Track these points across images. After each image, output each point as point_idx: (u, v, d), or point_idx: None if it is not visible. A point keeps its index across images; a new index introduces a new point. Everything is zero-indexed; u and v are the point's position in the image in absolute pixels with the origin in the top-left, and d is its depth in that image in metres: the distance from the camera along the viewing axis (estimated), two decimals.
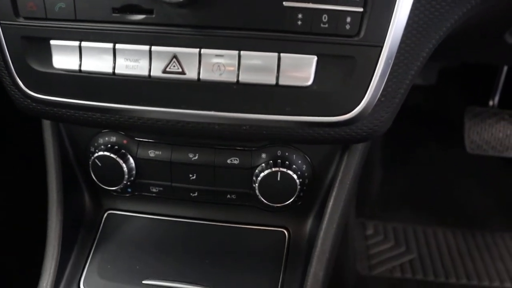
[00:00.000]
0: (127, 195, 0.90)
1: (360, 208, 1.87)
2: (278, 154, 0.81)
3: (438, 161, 2.07)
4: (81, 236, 0.89)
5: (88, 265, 0.86)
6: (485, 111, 1.90)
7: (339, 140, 0.71)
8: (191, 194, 0.86)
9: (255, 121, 0.69)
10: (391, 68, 0.67)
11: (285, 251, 0.86)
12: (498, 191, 2.00)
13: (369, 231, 1.84)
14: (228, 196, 0.86)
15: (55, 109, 0.75)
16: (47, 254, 0.83)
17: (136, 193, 0.89)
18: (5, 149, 1.49)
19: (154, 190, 0.87)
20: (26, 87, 0.73)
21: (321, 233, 0.80)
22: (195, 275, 0.82)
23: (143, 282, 0.82)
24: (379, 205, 1.94)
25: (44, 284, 0.80)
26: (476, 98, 2.02)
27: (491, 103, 1.95)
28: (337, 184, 0.80)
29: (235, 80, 0.66)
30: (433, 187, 2.01)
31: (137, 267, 0.84)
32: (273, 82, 0.66)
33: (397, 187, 2.00)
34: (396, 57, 0.66)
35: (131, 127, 0.73)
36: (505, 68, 1.88)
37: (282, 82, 0.66)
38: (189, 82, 0.67)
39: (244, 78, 0.66)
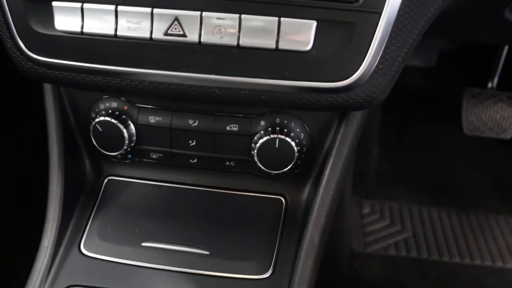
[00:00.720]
0: (127, 161, 0.92)
1: (357, 187, 1.89)
2: (277, 122, 0.82)
3: (436, 142, 2.09)
4: (81, 200, 0.91)
5: (89, 228, 0.87)
6: (483, 92, 1.90)
7: (336, 106, 0.72)
8: (191, 160, 0.87)
9: (254, 85, 0.70)
10: (390, 36, 0.67)
11: (282, 217, 0.88)
12: (493, 173, 2.02)
13: (365, 210, 1.86)
14: (227, 163, 0.87)
15: (57, 72, 0.75)
16: (48, 215, 0.84)
17: (136, 159, 0.91)
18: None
19: (154, 156, 0.88)
20: (28, 49, 0.74)
21: (318, 199, 0.81)
22: (193, 239, 0.84)
23: (142, 244, 0.84)
24: (375, 184, 1.95)
25: (46, 244, 0.82)
26: (475, 80, 2.02)
27: (490, 85, 1.95)
28: (334, 152, 0.82)
29: (235, 43, 0.67)
30: (430, 168, 2.03)
31: (137, 230, 0.86)
32: (273, 46, 0.67)
33: (394, 167, 2.02)
34: (395, 25, 0.67)
35: (132, 90, 0.74)
36: (505, 50, 1.88)
37: (281, 46, 0.67)
38: (190, 45, 0.68)
39: (245, 41, 0.67)
